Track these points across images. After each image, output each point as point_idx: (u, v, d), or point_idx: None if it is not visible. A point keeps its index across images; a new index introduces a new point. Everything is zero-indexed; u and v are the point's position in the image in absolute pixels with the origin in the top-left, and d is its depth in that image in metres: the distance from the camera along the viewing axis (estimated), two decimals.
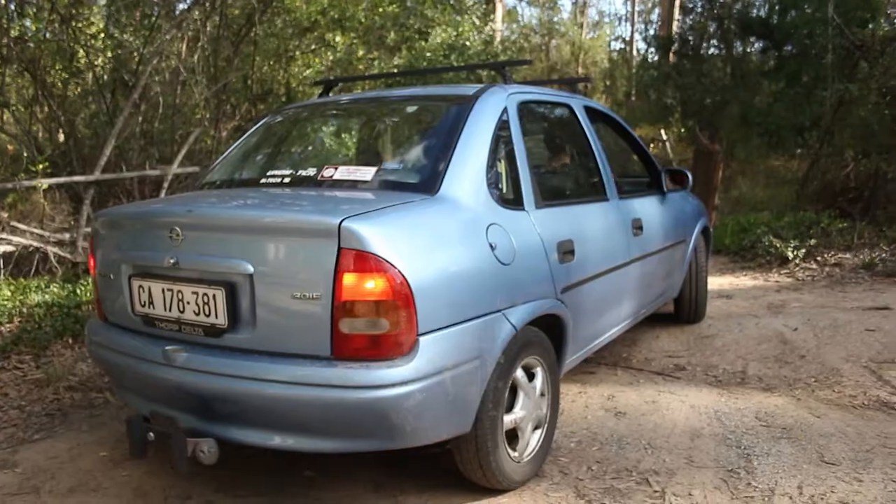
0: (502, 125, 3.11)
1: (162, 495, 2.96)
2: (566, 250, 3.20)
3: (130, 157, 7.41)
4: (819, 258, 7.86)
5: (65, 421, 3.82)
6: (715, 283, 6.89)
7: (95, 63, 7.50)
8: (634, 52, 29.46)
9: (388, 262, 2.32)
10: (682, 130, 15.83)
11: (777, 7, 15.03)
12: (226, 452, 2.63)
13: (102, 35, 7.16)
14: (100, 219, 3.09)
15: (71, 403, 4.05)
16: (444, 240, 2.61)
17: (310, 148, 3.71)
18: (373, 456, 3.09)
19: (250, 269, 2.47)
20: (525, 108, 3.39)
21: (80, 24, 7.04)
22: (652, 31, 26.72)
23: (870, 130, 8.87)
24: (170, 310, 2.68)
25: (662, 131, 15.05)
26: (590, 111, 4.08)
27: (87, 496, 2.98)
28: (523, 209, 3.06)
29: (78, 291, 5.57)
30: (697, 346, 4.97)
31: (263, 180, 3.14)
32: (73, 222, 7.04)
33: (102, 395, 4.14)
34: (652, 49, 21.84)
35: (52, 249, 6.45)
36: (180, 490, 2.98)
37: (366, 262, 2.31)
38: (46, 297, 5.49)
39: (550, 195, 3.34)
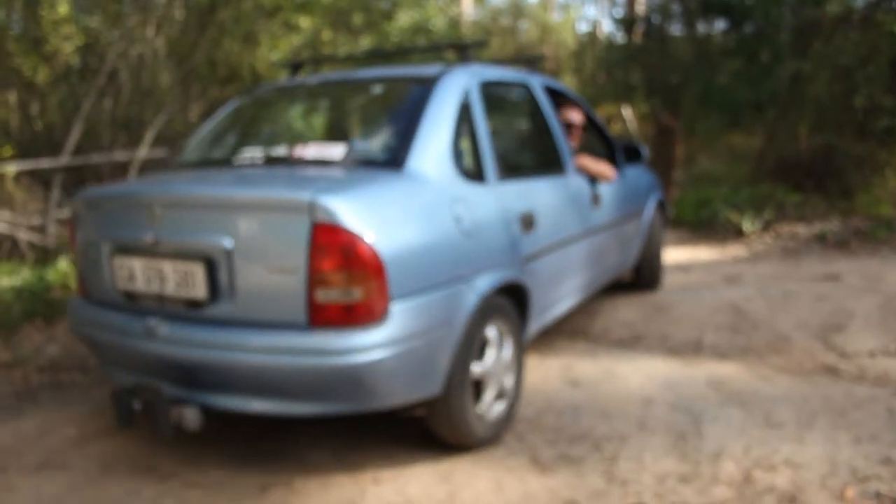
0: (465, 103, 3.25)
1: (127, 470, 3.01)
2: (527, 222, 3.36)
3: (101, 142, 7.41)
4: (774, 230, 8.12)
5: (33, 401, 3.83)
6: (674, 255, 7.05)
7: (65, 50, 7.46)
8: (601, 33, 29.48)
9: (358, 234, 2.45)
10: (645, 108, 16.04)
11: None
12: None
13: (70, 20, 7.13)
14: (80, 199, 3.16)
15: (40, 384, 4.07)
16: (411, 212, 2.73)
17: (281, 128, 3.81)
18: (337, 423, 3.21)
19: (229, 244, 2.59)
20: (486, 88, 3.51)
21: (44, 10, 6.99)
22: (617, 13, 26.71)
23: (822, 107, 9.13)
24: (151, 285, 2.80)
25: (627, 109, 15.18)
26: (548, 90, 4.23)
27: (54, 472, 3.02)
28: (486, 183, 3.20)
29: (48, 276, 5.60)
30: (655, 316, 5.07)
31: (237, 160, 3.25)
32: (43, 208, 7.07)
33: (71, 375, 4.18)
34: (618, 29, 21.93)
35: (22, 235, 6.50)
36: (145, 464, 3.05)
37: (337, 234, 2.43)
38: (16, 281, 5.50)
39: (511, 170, 3.47)
